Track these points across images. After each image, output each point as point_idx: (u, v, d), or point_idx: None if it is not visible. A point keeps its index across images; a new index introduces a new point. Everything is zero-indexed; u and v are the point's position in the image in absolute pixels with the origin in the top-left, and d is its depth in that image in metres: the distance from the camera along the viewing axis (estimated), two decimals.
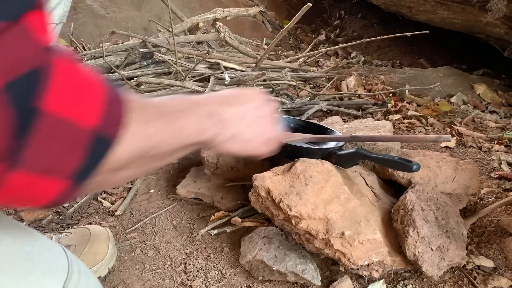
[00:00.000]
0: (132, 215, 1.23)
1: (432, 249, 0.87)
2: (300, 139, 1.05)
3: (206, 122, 0.50)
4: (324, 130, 1.20)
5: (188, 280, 0.99)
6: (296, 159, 1.03)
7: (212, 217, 1.15)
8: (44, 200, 0.37)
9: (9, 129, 0.31)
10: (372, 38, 2.15)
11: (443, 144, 1.54)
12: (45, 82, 0.32)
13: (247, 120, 0.57)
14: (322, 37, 4.00)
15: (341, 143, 1.09)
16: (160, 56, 1.60)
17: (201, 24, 2.07)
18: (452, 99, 2.07)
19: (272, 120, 0.62)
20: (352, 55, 3.42)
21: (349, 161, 1.03)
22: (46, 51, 0.33)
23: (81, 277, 0.48)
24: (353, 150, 1.03)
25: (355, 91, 2.06)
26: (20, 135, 0.32)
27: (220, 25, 2.00)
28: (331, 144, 1.11)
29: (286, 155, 1.04)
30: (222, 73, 1.61)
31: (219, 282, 0.98)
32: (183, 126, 0.47)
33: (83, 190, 0.39)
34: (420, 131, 1.67)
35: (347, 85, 2.15)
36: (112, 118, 0.37)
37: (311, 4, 1.48)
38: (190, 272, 1.01)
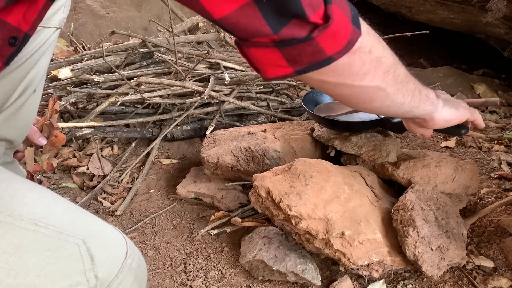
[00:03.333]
0: (132, 215, 1.23)
1: (432, 249, 0.87)
2: (344, 113, 1.17)
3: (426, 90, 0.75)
4: None
5: (188, 280, 0.99)
6: (296, 160, 1.03)
7: (212, 217, 1.15)
8: (345, 38, 0.55)
9: None
10: None
11: (443, 144, 1.54)
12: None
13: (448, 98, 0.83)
14: None
15: None
16: (160, 56, 1.60)
17: (201, 24, 2.06)
18: None
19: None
20: None
21: (402, 128, 1.06)
22: None
23: (134, 260, 0.60)
24: None
25: None
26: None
27: None
28: None
29: (343, 129, 1.15)
30: (222, 73, 1.61)
31: (219, 282, 0.98)
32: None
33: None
34: None
35: None
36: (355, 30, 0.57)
37: None
38: (190, 272, 1.01)
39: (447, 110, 0.78)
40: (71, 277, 0.52)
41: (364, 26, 0.59)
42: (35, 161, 0.99)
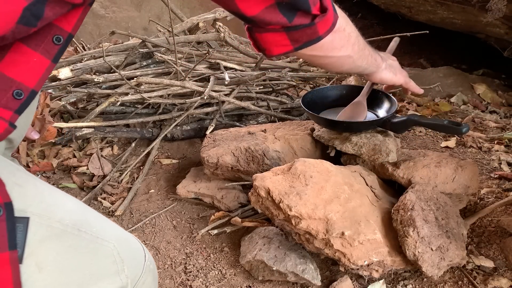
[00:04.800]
0: (132, 215, 1.23)
1: (432, 249, 0.87)
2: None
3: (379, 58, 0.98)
4: (376, 94, 1.28)
5: (188, 280, 0.99)
6: (296, 160, 1.03)
7: (212, 217, 1.15)
8: (331, 21, 0.73)
9: None
10: (372, 38, 2.14)
11: (443, 144, 1.54)
12: None
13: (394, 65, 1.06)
14: None
15: (393, 110, 1.17)
16: (160, 56, 1.60)
17: (201, 24, 2.06)
18: (452, 99, 2.07)
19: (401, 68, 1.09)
20: None
21: (402, 128, 1.11)
22: None
23: (150, 261, 0.67)
24: (405, 117, 1.09)
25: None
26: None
27: (220, 25, 1.99)
28: (383, 113, 1.21)
29: (343, 129, 1.17)
30: (222, 73, 1.61)
31: (219, 282, 0.98)
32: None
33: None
34: (420, 131, 1.67)
35: None
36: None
37: None
38: (190, 272, 1.01)
39: (385, 73, 1.01)
40: (109, 276, 0.59)
41: (338, 9, 0.77)
42: (27, 155, 0.99)
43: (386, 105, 1.23)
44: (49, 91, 1.55)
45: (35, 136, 0.98)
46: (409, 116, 1.09)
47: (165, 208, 1.25)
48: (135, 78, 1.44)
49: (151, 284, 0.67)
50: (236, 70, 1.71)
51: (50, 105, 1.01)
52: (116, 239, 0.61)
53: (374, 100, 1.25)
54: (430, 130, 1.66)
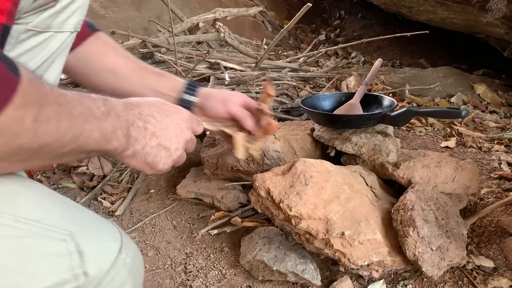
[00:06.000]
0: (132, 215, 1.23)
1: (432, 249, 0.87)
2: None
3: (113, 135, 0.57)
4: (373, 98, 1.29)
5: (188, 280, 0.99)
6: (296, 160, 1.03)
7: (212, 217, 1.15)
8: None
9: None
10: (372, 38, 2.15)
11: (443, 144, 1.54)
12: None
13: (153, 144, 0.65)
14: (322, 37, 4.00)
15: (394, 105, 1.17)
16: (160, 56, 1.60)
17: (201, 24, 2.07)
18: (452, 99, 2.07)
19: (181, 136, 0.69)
20: (352, 55, 3.43)
21: (402, 120, 1.10)
22: None
23: (128, 254, 0.58)
24: (405, 109, 1.09)
25: (355, 91, 2.06)
26: None
27: (220, 25, 1.99)
28: (383, 107, 1.22)
29: (342, 124, 1.16)
30: (222, 73, 1.61)
31: (219, 282, 0.98)
32: (88, 132, 0.52)
33: None
34: (420, 131, 1.67)
35: (347, 85, 2.15)
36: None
37: (311, 4, 1.48)
38: (190, 272, 1.01)
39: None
40: (56, 274, 0.50)
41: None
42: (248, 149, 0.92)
43: (385, 104, 1.24)
44: None
45: (250, 127, 0.90)
46: (408, 108, 1.10)
47: (165, 208, 1.25)
48: None
49: (126, 281, 0.57)
50: (236, 70, 1.72)
51: (273, 96, 0.93)
52: (76, 229, 0.53)
53: (373, 103, 1.26)
54: (430, 130, 1.66)
